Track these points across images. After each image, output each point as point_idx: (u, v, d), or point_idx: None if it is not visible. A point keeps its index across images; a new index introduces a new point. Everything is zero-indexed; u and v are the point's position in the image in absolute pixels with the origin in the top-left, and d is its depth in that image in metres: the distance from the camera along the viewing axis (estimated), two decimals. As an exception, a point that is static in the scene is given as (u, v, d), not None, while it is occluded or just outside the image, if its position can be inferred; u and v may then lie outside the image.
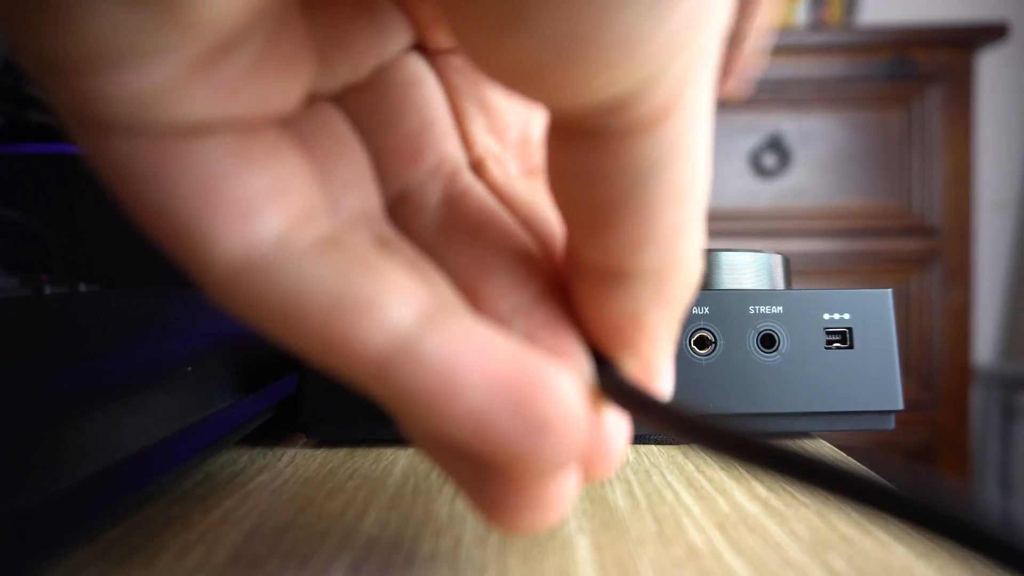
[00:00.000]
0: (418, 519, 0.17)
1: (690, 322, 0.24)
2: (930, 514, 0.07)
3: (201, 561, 0.14)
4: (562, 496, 0.12)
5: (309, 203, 0.10)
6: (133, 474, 0.14)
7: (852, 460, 0.22)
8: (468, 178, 0.13)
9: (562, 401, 0.10)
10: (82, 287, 0.30)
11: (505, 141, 0.14)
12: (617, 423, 0.12)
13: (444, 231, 0.12)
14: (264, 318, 0.10)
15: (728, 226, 1.45)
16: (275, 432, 0.26)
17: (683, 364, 0.24)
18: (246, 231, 0.10)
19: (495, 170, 0.13)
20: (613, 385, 0.11)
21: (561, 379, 0.10)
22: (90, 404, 0.14)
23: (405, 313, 0.10)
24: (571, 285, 0.12)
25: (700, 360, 0.24)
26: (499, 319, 0.12)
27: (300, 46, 0.10)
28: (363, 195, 0.12)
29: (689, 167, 0.10)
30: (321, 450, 0.24)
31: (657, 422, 0.11)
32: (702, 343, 0.24)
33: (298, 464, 0.22)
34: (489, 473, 0.11)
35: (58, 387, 0.13)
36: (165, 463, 0.16)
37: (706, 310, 0.24)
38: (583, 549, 0.15)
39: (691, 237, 0.11)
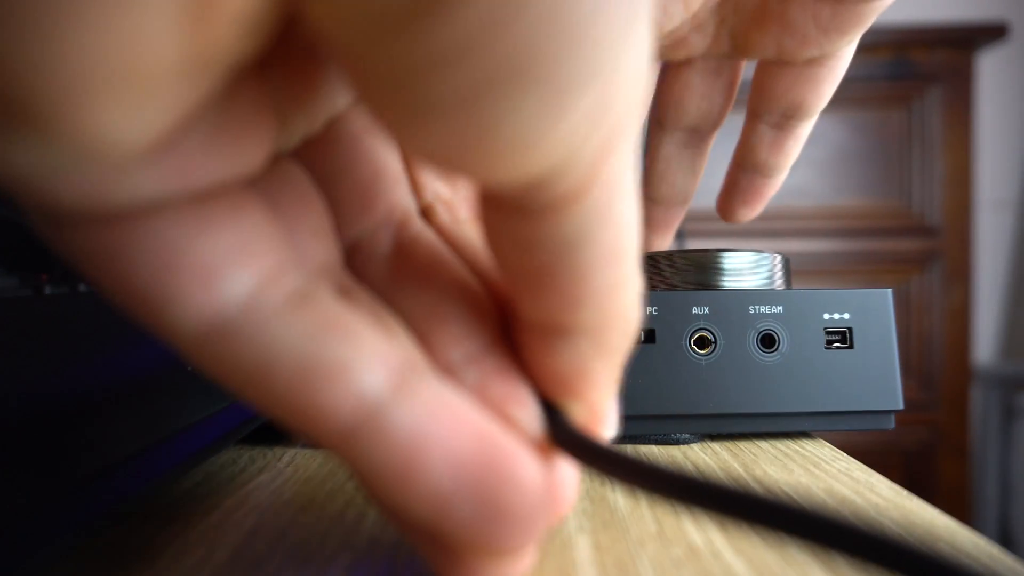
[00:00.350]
0: (418, 519, 0.17)
1: (690, 322, 0.24)
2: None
3: (201, 561, 0.14)
4: (519, 570, 0.12)
5: (276, 260, 0.10)
6: (133, 474, 0.14)
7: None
8: (418, 225, 0.13)
9: (525, 490, 0.11)
10: (82, 287, 0.30)
11: (456, 186, 0.14)
12: (568, 472, 0.12)
13: (395, 279, 0.12)
14: (235, 383, 0.10)
15: (728, 226, 1.44)
16: (275, 432, 0.26)
17: (683, 364, 0.24)
18: (210, 295, 0.10)
19: (444, 215, 0.13)
20: (563, 433, 0.12)
21: (524, 464, 0.11)
22: (90, 404, 0.14)
23: (374, 379, 0.10)
24: (518, 335, 0.12)
25: (700, 360, 0.24)
26: (451, 368, 0.12)
27: (258, 111, 0.10)
28: (325, 248, 0.12)
29: (615, 231, 0.10)
30: (321, 450, 0.24)
31: (608, 471, 0.11)
32: (702, 343, 0.24)
33: (298, 464, 0.22)
34: (448, 548, 0.11)
35: (58, 387, 0.13)
36: (165, 463, 0.16)
37: (706, 310, 0.24)
38: (583, 549, 0.15)
39: (626, 291, 0.11)
